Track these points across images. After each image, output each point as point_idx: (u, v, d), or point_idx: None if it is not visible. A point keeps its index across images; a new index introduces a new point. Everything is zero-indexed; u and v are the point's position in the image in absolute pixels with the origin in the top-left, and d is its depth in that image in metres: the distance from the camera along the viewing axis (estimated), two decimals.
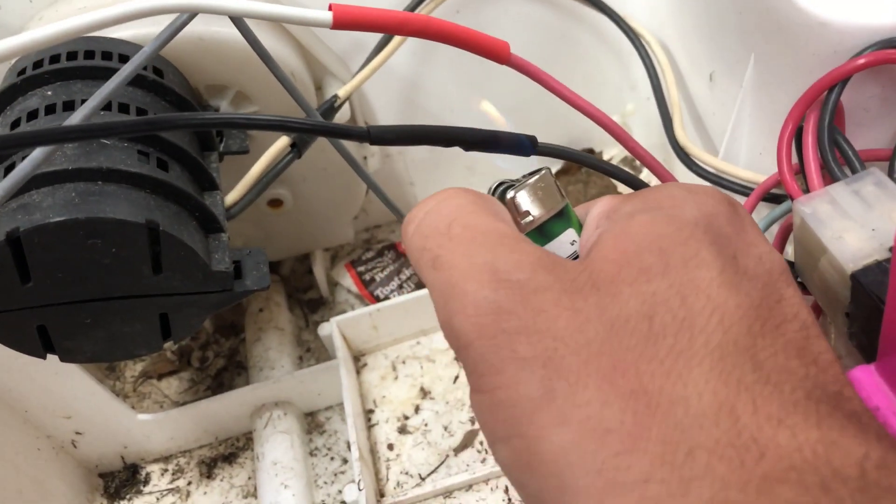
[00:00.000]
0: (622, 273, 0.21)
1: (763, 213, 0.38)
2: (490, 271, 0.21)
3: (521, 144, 0.29)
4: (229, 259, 0.36)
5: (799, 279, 0.34)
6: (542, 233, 0.27)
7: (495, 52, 0.31)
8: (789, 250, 0.37)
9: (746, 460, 0.18)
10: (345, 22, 0.28)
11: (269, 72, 0.37)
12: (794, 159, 0.34)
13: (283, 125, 0.25)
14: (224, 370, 0.56)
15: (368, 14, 0.28)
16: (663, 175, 0.35)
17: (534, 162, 0.30)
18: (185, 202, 0.35)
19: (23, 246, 0.31)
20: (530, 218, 0.26)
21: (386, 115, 0.53)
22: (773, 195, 0.38)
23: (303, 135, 0.39)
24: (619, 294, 0.21)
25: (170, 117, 0.24)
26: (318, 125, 0.26)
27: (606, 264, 0.21)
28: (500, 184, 0.27)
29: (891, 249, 0.29)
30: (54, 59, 0.37)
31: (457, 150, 0.29)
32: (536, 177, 0.26)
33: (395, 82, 0.51)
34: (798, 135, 0.33)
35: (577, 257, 0.26)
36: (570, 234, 0.27)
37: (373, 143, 0.27)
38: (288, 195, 0.50)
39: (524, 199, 0.26)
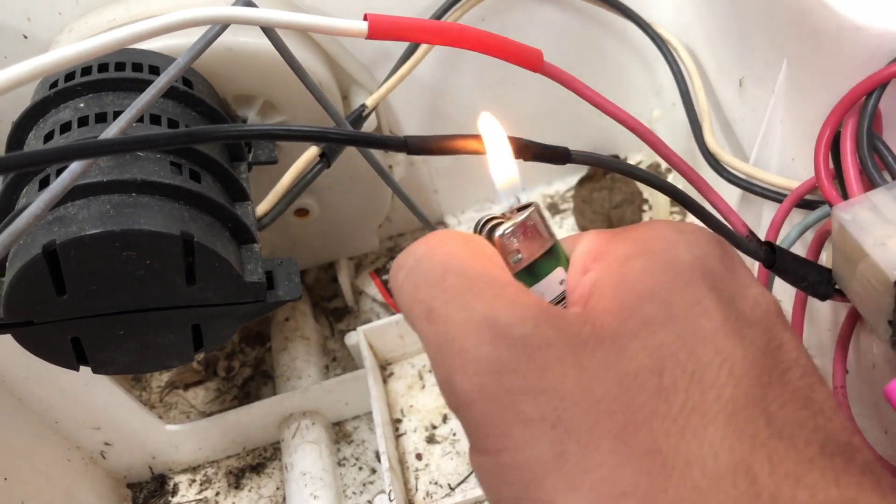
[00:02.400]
0: (626, 325, 0.20)
1: (796, 219, 0.38)
2: (490, 326, 0.20)
3: (555, 154, 0.29)
4: (262, 269, 0.36)
5: (837, 286, 0.34)
6: (531, 272, 0.26)
7: (529, 60, 0.31)
8: (824, 257, 0.37)
9: None
10: (380, 31, 0.28)
11: (297, 81, 0.37)
12: (830, 165, 0.34)
13: (322, 136, 0.25)
14: (250, 380, 0.56)
15: (403, 23, 0.28)
16: (696, 181, 0.35)
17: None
18: (218, 213, 0.35)
19: (59, 258, 0.31)
20: (519, 257, 0.25)
21: (410, 123, 0.53)
22: (807, 201, 0.38)
23: (333, 145, 0.39)
24: (626, 348, 0.20)
25: (207, 129, 0.24)
26: (356, 136, 0.26)
27: (608, 316, 0.21)
28: (488, 220, 0.26)
29: None
30: (85, 71, 0.37)
31: (481, 158, 0.29)
32: (525, 214, 0.26)
33: (420, 91, 0.51)
34: (835, 140, 0.33)
35: (564, 296, 0.25)
36: (559, 273, 0.26)
37: (410, 153, 0.27)
38: (314, 204, 0.50)
39: (512, 239, 0.25)
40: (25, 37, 0.44)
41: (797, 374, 0.21)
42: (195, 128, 0.23)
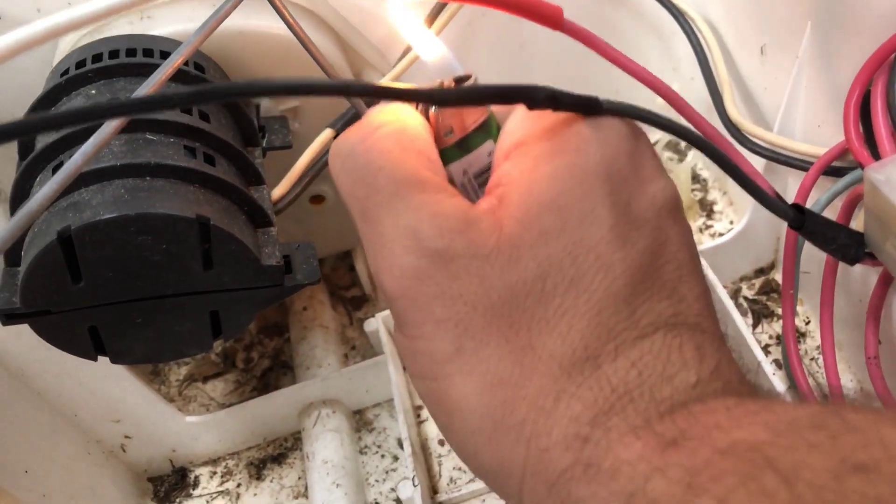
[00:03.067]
0: (524, 236, 0.24)
1: (825, 187, 0.37)
2: (413, 236, 0.24)
3: (585, 104, 0.28)
4: (279, 253, 0.35)
5: (867, 250, 0.33)
6: (462, 146, 0.27)
7: (549, 17, 0.30)
8: (853, 225, 0.36)
9: (598, 398, 0.22)
10: None
11: (310, 65, 0.36)
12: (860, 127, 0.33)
13: (345, 89, 0.24)
14: (269, 370, 0.56)
15: None
16: (720, 143, 0.34)
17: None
18: (234, 196, 0.34)
19: (74, 245, 0.31)
20: (451, 132, 0.27)
21: None
22: (834, 168, 0.37)
23: (352, 106, 0.38)
24: (520, 258, 0.23)
25: (224, 85, 0.23)
26: (381, 89, 0.25)
27: (512, 225, 0.24)
28: None
29: None
30: (96, 58, 0.37)
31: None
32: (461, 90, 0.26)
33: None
34: (864, 101, 0.32)
35: (489, 168, 0.27)
36: (488, 145, 0.28)
37: (437, 104, 0.27)
38: (330, 191, 0.50)
39: (446, 116, 0.27)
40: None
41: (671, 268, 0.24)
42: (211, 84, 0.22)
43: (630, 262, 0.23)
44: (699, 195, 0.54)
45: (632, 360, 0.22)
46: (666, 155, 0.56)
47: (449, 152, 0.27)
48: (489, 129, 0.28)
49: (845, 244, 0.32)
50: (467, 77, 0.28)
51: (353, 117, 0.42)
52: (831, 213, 0.36)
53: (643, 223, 0.24)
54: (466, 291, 0.23)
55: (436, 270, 0.24)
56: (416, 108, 0.28)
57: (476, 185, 0.28)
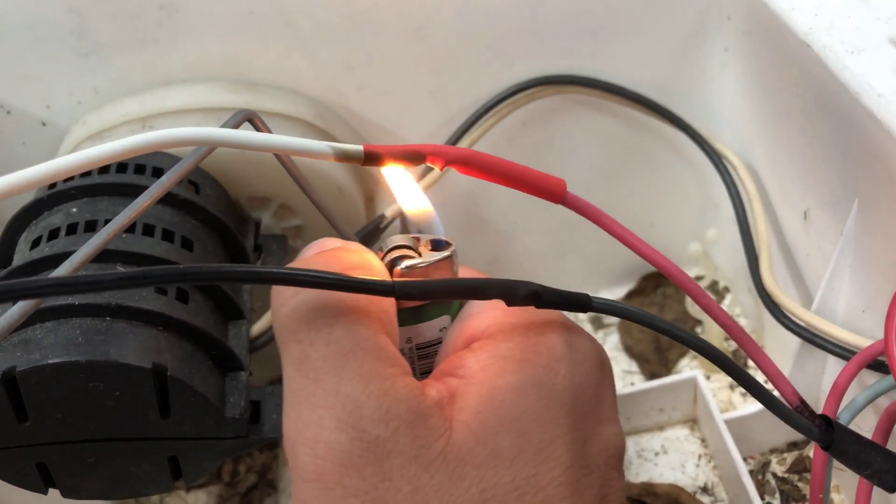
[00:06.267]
0: (475, 452, 0.21)
1: (866, 380, 0.32)
2: (354, 412, 0.21)
3: (574, 301, 0.25)
4: (245, 403, 0.32)
5: None
6: (417, 314, 0.25)
7: (551, 192, 0.27)
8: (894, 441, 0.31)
9: None
10: (375, 158, 0.25)
11: (316, 182, 0.34)
12: None
13: (295, 279, 0.21)
14: (254, 488, 0.52)
15: (398, 149, 0.25)
16: (739, 337, 0.30)
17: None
18: (202, 340, 0.31)
19: (19, 386, 0.29)
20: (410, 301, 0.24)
21: (446, 228, 0.50)
22: (880, 363, 0.32)
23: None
24: (464, 478, 0.21)
25: (156, 270, 0.21)
26: (330, 279, 0.22)
27: (464, 433, 0.21)
28: (398, 247, 0.25)
29: None
30: (85, 172, 0.35)
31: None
32: (437, 257, 0.24)
33: (454, 195, 0.48)
34: None
35: (439, 342, 0.25)
36: (443, 320, 0.25)
37: (398, 298, 0.24)
38: None
39: (413, 275, 0.24)
40: (44, 124, 0.42)
41: None
42: (143, 269, 0.20)
43: None
44: (733, 345, 0.49)
45: None
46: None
47: (400, 315, 0.24)
48: (449, 304, 0.25)
49: (882, 470, 0.28)
50: (447, 244, 0.26)
51: (367, 237, 0.40)
52: (875, 412, 0.31)
53: (594, 469, 0.23)
54: (393, 498, 0.20)
55: (367, 462, 0.20)
56: (385, 255, 0.25)
57: (416, 355, 0.25)
